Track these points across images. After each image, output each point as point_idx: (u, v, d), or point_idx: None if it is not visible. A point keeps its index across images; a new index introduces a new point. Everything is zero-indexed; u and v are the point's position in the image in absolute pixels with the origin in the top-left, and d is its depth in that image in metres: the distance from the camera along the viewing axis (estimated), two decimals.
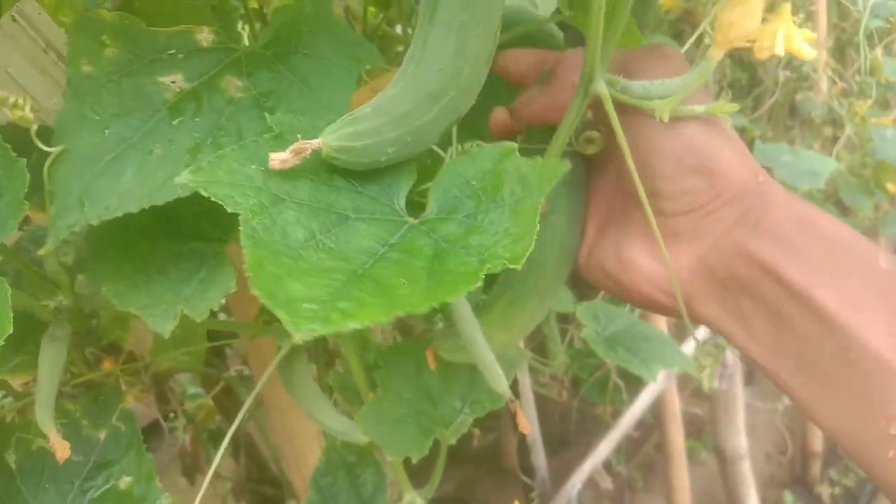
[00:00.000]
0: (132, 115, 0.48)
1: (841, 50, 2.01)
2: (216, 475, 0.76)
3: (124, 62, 0.49)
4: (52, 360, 0.56)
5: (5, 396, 0.65)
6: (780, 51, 0.58)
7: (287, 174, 0.41)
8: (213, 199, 0.37)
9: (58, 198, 0.46)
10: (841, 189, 1.95)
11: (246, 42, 0.53)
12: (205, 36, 0.51)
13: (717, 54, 0.56)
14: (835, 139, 1.92)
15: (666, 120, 0.41)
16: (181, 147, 0.47)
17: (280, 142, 0.44)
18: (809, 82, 1.95)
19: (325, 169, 0.43)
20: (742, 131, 1.98)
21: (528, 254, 0.36)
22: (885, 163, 1.82)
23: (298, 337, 0.31)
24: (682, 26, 1.68)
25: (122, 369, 0.67)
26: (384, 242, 0.40)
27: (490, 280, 0.43)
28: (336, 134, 0.42)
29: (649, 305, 0.45)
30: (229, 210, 0.37)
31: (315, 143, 0.42)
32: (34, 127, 0.45)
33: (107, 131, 0.47)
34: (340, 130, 0.43)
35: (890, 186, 2.02)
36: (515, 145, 0.42)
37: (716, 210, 0.42)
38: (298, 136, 0.43)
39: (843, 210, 2.02)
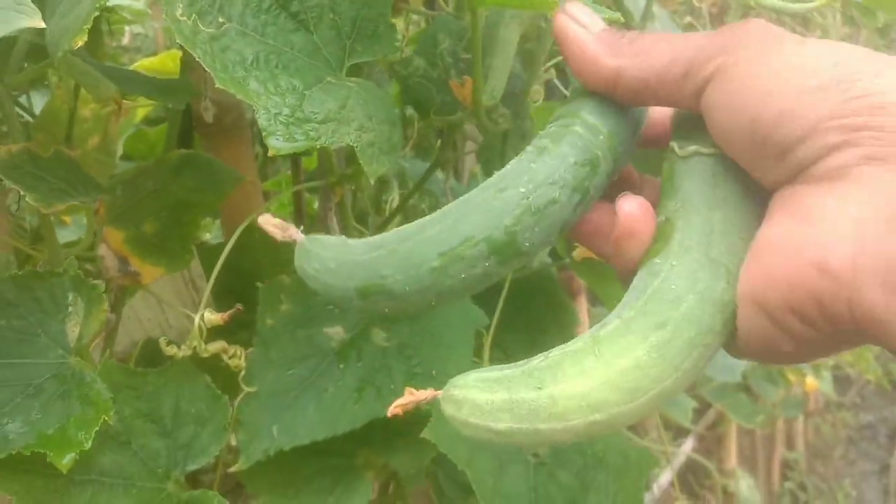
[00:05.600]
0: (308, 360, 0.61)
1: None
2: None
3: (296, 315, 0.63)
4: None
5: None
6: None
7: None
8: None
9: (248, 426, 0.58)
10: (750, 378, 2.22)
11: None
12: None
13: None
14: None
15: None
16: (349, 386, 0.60)
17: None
18: None
19: None
20: None
21: None
22: None
23: None
24: None
25: None
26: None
27: None
28: None
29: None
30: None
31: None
32: (242, 373, 0.57)
33: (289, 372, 0.60)
34: None
35: (790, 377, 2.31)
36: None
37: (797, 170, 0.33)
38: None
39: (753, 397, 2.28)
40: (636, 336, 0.33)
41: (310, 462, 0.63)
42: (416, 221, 0.37)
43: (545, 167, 0.36)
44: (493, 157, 0.72)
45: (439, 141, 0.94)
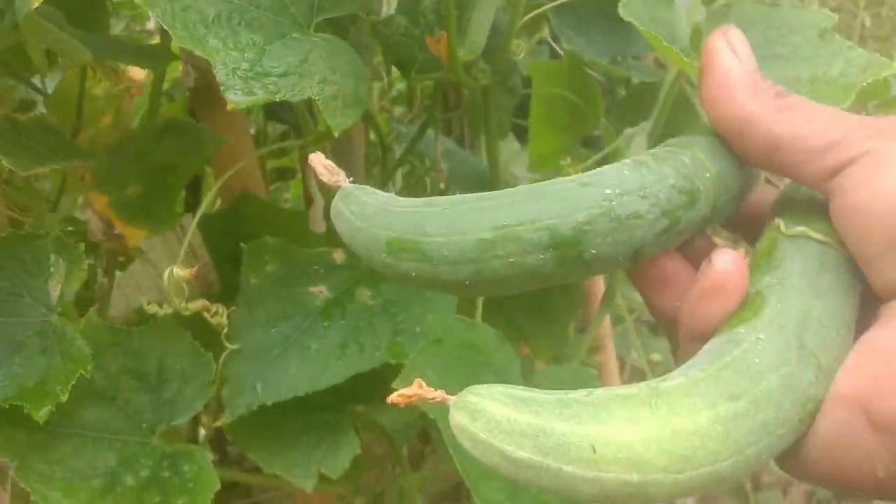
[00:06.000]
0: (292, 318, 0.62)
1: None
2: None
3: (281, 275, 0.64)
4: None
5: None
6: None
7: None
8: None
9: (233, 382, 0.59)
10: None
11: None
12: (338, 255, 0.66)
13: None
14: None
15: None
16: (332, 343, 0.61)
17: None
18: None
19: None
20: None
21: None
22: None
23: None
24: None
25: None
26: None
27: None
28: None
29: None
30: None
31: None
32: (224, 331, 0.58)
33: (273, 330, 0.61)
34: None
35: None
36: None
37: None
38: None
39: None
40: (703, 400, 0.28)
41: (296, 418, 0.65)
42: (476, 193, 0.33)
43: (640, 178, 0.33)
44: (477, 113, 0.71)
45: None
